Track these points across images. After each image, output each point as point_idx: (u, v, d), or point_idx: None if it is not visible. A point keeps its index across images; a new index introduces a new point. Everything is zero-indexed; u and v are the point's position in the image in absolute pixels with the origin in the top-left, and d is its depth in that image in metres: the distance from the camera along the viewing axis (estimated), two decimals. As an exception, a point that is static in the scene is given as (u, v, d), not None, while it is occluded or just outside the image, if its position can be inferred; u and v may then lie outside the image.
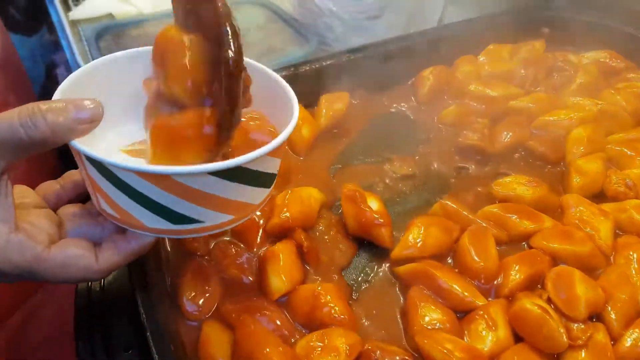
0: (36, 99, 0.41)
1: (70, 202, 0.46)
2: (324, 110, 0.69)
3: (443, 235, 0.54)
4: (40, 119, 0.36)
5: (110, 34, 0.85)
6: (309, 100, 0.71)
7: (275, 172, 0.44)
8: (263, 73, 0.47)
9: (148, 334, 0.43)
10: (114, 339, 0.47)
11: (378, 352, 0.45)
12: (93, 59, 0.82)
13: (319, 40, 0.79)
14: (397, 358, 0.43)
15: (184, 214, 0.39)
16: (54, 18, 1.08)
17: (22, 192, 0.44)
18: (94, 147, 0.38)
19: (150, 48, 0.45)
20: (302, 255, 0.53)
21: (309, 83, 0.71)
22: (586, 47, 0.81)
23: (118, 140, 0.46)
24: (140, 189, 0.37)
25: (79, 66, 0.91)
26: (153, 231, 0.40)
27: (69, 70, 1.13)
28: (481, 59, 0.78)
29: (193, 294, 0.49)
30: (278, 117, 0.45)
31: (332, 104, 0.69)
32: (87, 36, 0.83)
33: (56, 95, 0.40)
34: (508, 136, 0.65)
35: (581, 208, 0.56)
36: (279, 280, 0.49)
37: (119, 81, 0.46)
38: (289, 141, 0.67)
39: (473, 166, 0.65)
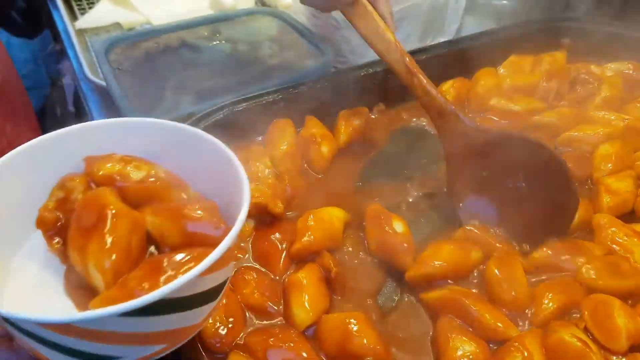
0: (38, 126, 0.38)
1: None
2: (343, 127, 0.67)
3: (460, 255, 0.52)
4: None
5: (120, 47, 0.83)
6: (326, 116, 0.69)
7: (225, 279, 0.37)
8: (213, 147, 0.41)
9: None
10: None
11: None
12: (102, 74, 0.80)
13: (335, 53, 0.77)
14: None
15: (102, 354, 0.33)
16: (60, 27, 1.06)
17: None
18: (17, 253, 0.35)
19: (95, 123, 0.42)
20: (329, 280, 0.51)
21: (326, 98, 0.69)
22: (607, 58, 0.79)
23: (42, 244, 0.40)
24: (44, 336, 0.32)
25: (86, 77, 0.90)
26: None
27: (75, 80, 1.12)
28: (502, 71, 0.76)
29: (215, 324, 0.48)
30: (227, 202, 0.39)
31: (351, 119, 0.67)
32: (96, 49, 0.81)
33: None
34: (533, 153, 0.64)
35: (614, 229, 0.55)
36: (304, 311, 0.48)
37: (40, 174, 0.41)
38: (308, 159, 0.65)
39: (498, 184, 0.63)
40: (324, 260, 0.51)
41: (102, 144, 0.42)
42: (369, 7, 0.58)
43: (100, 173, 0.40)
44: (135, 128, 0.43)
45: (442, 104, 0.58)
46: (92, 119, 0.92)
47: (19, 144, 0.41)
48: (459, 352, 0.45)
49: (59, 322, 0.31)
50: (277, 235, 0.55)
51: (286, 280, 0.51)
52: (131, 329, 0.32)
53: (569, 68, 0.76)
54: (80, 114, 1.22)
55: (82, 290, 0.37)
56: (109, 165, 0.40)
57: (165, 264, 0.34)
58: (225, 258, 0.34)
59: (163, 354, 0.35)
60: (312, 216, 0.54)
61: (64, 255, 0.39)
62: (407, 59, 0.59)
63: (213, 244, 0.34)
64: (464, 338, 0.46)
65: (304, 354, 0.45)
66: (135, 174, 0.40)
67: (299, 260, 0.53)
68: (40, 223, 0.39)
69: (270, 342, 0.45)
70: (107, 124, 0.43)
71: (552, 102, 0.71)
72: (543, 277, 0.52)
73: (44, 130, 1.03)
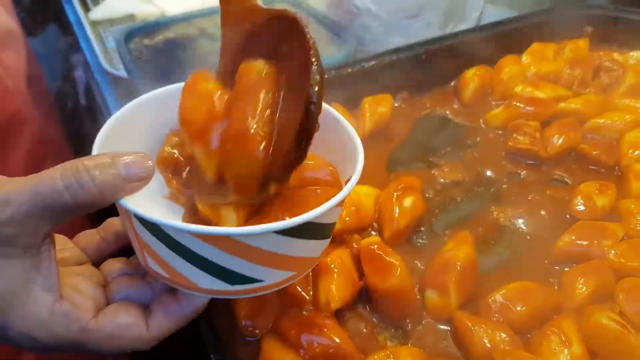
0: (57, 116, 0.38)
1: (112, 255, 0.42)
2: (368, 114, 0.66)
3: None
4: (86, 179, 0.32)
5: (139, 36, 0.83)
6: (350, 104, 0.68)
7: (337, 220, 0.41)
8: (326, 113, 0.43)
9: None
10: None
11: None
12: (123, 62, 0.80)
13: (356, 41, 0.77)
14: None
15: (244, 274, 0.36)
16: (72, 18, 1.06)
17: (60, 245, 0.40)
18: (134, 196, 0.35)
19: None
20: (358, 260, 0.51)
21: (350, 86, 0.69)
22: (630, 46, 0.79)
23: (159, 188, 0.41)
24: (196, 250, 0.34)
25: (102, 68, 0.90)
26: (208, 292, 0.37)
27: (88, 72, 1.12)
28: (524, 59, 0.76)
29: (248, 308, 0.47)
30: (337, 160, 0.42)
31: (376, 107, 0.67)
32: (116, 39, 0.81)
33: (96, 145, 0.37)
34: (560, 140, 0.63)
35: (644, 215, 0.54)
36: (331, 296, 0.47)
37: (157, 124, 0.43)
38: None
39: (525, 171, 0.63)
40: (351, 243, 0.51)
41: None
42: None
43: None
44: None
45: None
46: (107, 111, 0.92)
47: (48, 134, 0.41)
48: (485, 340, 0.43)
49: (220, 234, 0.32)
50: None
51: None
52: (278, 249, 0.35)
53: (592, 56, 0.76)
54: (92, 107, 1.22)
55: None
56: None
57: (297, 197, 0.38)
58: (343, 201, 0.37)
59: (288, 284, 0.39)
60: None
61: (178, 200, 0.41)
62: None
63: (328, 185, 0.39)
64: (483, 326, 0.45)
65: (337, 340, 0.45)
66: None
67: (331, 241, 0.53)
68: (160, 162, 0.40)
69: (304, 327, 0.45)
70: None
71: (576, 90, 0.71)
72: (569, 265, 0.51)
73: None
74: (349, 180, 0.38)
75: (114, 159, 0.33)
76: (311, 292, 0.49)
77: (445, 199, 0.61)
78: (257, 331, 0.47)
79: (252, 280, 0.36)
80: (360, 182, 0.59)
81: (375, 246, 0.49)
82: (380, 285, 0.47)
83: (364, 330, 0.48)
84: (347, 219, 0.52)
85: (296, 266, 0.38)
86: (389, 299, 0.48)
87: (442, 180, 0.63)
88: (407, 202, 0.54)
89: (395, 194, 0.54)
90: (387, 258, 0.48)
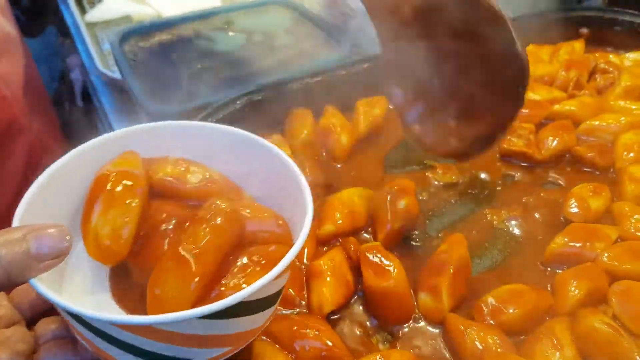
0: (56, 121, 0.37)
1: (48, 311, 0.39)
2: (362, 116, 0.66)
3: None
4: None
5: (134, 38, 0.83)
6: (344, 106, 0.68)
7: (283, 286, 0.37)
8: (269, 153, 0.41)
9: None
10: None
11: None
12: (117, 64, 0.80)
13: (351, 43, 0.76)
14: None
15: (170, 356, 0.33)
16: (69, 21, 1.06)
17: None
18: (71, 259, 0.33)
19: (149, 125, 0.41)
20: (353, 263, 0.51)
21: (344, 88, 0.69)
22: (626, 48, 0.79)
23: None
24: (117, 336, 0.32)
25: (97, 69, 0.90)
26: None
27: (85, 74, 1.11)
28: (519, 61, 0.75)
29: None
30: (282, 207, 0.39)
31: (370, 109, 0.67)
32: (111, 40, 0.80)
33: (18, 213, 0.34)
34: (555, 142, 0.63)
35: (637, 217, 0.54)
36: (324, 299, 0.47)
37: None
38: (327, 149, 0.65)
39: (519, 174, 0.63)
40: (347, 245, 0.51)
41: (156, 146, 0.41)
42: None
43: (158, 176, 0.39)
44: (187, 131, 0.43)
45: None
46: (104, 113, 0.91)
47: (46, 140, 0.40)
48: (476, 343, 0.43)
49: (139, 324, 0.30)
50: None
51: (308, 266, 0.50)
52: (206, 332, 0.32)
53: (587, 58, 0.75)
54: (88, 109, 1.21)
55: (130, 293, 0.37)
56: (168, 168, 0.39)
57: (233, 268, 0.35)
58: (287, 267, 0.34)
59: (225, 358, 0.36)
60: (327, 201, 0.54)
61: None
62: None
63: (275, 241, 0.36)
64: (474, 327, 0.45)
65: (329, 343, 0.45)
66: (191, 177, 0.39)
67: (325, 243, 0.53)
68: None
69: (296, 330, 0.44)
70: (160, 127, 0.42)
71: (571, 92, 0.71)
72: (562, 268, 0.51)
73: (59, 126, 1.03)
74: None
75: (26, 235, 0.31)
76: (305, 295, 0.50)
77: (439, 201, 0.60)
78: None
79: None
80: (353, 184, 0.60)
81: (374, 251, 0.49)
82: (378, 287, 0.47)
83: (357, 332, 0.48)
84: (340, 222, 0.52)
85: (231, 342, 0.35)
86: (385, 301, 0.48)
87: (436, 182, 0.62)
88: (401, 204, 0.54)
89: (388, 196, 0.54)
90: (386, 260, 0.48)
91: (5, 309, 0.38)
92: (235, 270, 0.35)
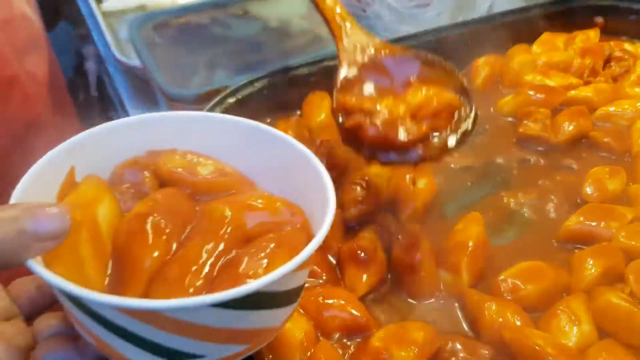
0: (76, 119, 0.36)
1: (47, 306, 0.37)
2: (379, 100, 0.67)
3: None
4: None
5: (152, 24, 0.83)
6: (361, 90, 0.69)
7: (305, 281, 0.34)
8: (285, 144, 0.38)
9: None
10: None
11: (458, 344, 0.43)
12: (136, 50, 0.81)
13: (367, 29, 0.77)
14: (485, 352, 0.42)
15: (179, 349, 0.30)
16: (84, 10, 1.07)
17: None
18: None
19: (154, 115, 0.39)
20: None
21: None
22: (640, 37, 0.79)
23: None
24: (121, 323, 0.29)
25: (115, 58, 0.91)
26: None
27: (100, 63, 1.13)
28: (535, 48, 0.76)
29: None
30: (305, 202, 0.36)
31: (387, 93, 0.67)
32: (129, 26, 0.81)
33: (16, 191, 0.32)
34: (571, 127, 0.63)
35: (654, 200, 0.54)
36: (358, 282, 0.48)
37: (108, 158, 0.38)
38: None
39: (535, 157, 0.63)
40: (385, 222, 0.52)
41: (164, 138, 0.39)
42: None
43: (167, 167, 0.37)
44: (196, 122, 0.40)
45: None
46: (120, 101, 0.93)
47: (67, 136, 0.38)
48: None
49: (147, 309, 0.28)
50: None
51: (340, 249, 0.51)
52: (219, 324, 0.30)
53: (602, 46, 0.76)
54: (103, 98, 1.23)
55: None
56: (177, 160, 0.37)
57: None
58: (311, 258, 0.31)
59: (241, 357, 0.33)
60: (356, 178, 0.55)
61: None
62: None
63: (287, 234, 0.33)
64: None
65: (355, 312, 0.46)
66: (202, 169, 0.37)
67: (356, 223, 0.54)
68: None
69: (322, 300, 0.45)
70: (169, 117, 0.40)
71: (587, 79, 0.71)
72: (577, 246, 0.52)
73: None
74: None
75: (21, 213, 0.28)
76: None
77: (455, 184, 0.61)
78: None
79: (191, 356, 0.31)
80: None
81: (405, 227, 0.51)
82: (406, 261, 0.48)
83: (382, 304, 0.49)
84: (363, 201, 0.53)
85: (248, 339, 0.32)
86: (413, 275, 0.49)
87: (452, 165, 0.63)
88: (421, 183, 0.55)
89: (407, 176, 0.55)
90: (415, 236, 0.50)
91: (2, 301, 0.36)
92: (253, 257, 0.32)
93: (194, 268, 0.31)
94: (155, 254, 0.31)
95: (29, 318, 0.36)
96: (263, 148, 0.39)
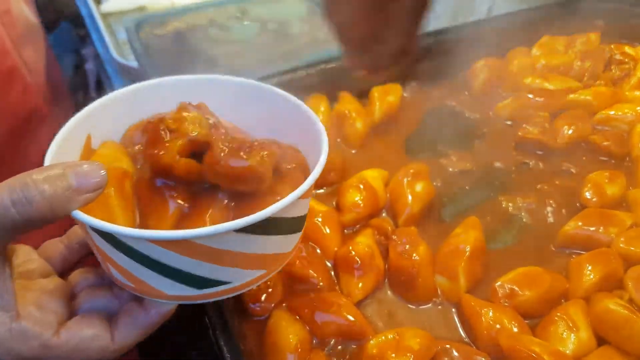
0: (74, 110, 0.38)
1: (78, 262, 0.41)
2: (378, 103, 0.66)
3: None
4: (34, 194, 0.30)
5: (150, 25, 0.83)
6: (359, 93, 0.69)
7: (306, 212, 0.39)
8: (286, 100, 0.43)
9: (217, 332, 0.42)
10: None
11: (454, 351, 0.43)
12: (134, 52, 0.81)
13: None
14: (481, 359, 0.41)
15: (209, 277, 0.34)
16: (84, 12, 1.07)
17: (25, 256, 0.39)
18: None
19: (155, 82, 0.42)
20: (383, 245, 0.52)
21: (359, 75, 0.69)
22: (641, 40, 0.79)
23: None
24: (155, 257, 0.33)
25: (113, 59, 0.91)
26: (174, 298, 0.36)
27: (99, 64, 1.12)
28: (534, 51, 0.75)
29: (256, 289, 0.47)
30: (303, 146, 0.41)
31: (385, 96, 0.67)
32: (127, 28, 0.81)
33: (48, 154, 0.36)
34: (570, 130, 0.63)
35: (653, 204, 0.54)
36: (354, 288, 0.48)
37: (128, 120, 0.42)
38: (342, 135, 0.65)
39: (533, 161, 0.63)
40: (381, 226, 0.51)
41: (167, 102, 0.41)
42: None
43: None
44: (197, 85, 0.44)
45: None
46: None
47: None
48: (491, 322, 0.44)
49: (177, 237, 0.31)
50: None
51: (336, 253, 0.51)
52: (242, 248, 0.34)
53: (602, 49, 0.75)
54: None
55: None
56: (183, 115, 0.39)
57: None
58: (312, 188, 0.36)
59: (260, 282, 0.38)
60: (354, 180, 0.55)
61: None
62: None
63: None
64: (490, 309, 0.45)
65: (351, 317, 0.45)
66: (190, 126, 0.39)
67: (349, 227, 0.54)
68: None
69: (316, 304, 0.45)
70: (169, 82, 0.44)
71: (586, 82, 0.71)
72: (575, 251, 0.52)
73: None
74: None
75: (65, 170, 0.32)
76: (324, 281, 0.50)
77: (453, 188, 0.60)
78: (264, 311, 0.47)
79: (219, 283, 0.35)
80: (367, 166, 0.60)
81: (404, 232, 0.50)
82: (404, 266, 0.48)
83: (378, 309, 0.48)
84: (362, 204, 0.53)
85: (265, 264, 0.37)
86: (410, 281, 0.48)
87: (450, 169, 0.62)
88: (418, 187, 0.54)
89: (405, 179, 0.54)
90: (413, 241, 0.49)
91: (37, 262, 0.39)
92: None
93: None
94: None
95: (61, 275, 0.40)
96: (258, 103, 0.43)
